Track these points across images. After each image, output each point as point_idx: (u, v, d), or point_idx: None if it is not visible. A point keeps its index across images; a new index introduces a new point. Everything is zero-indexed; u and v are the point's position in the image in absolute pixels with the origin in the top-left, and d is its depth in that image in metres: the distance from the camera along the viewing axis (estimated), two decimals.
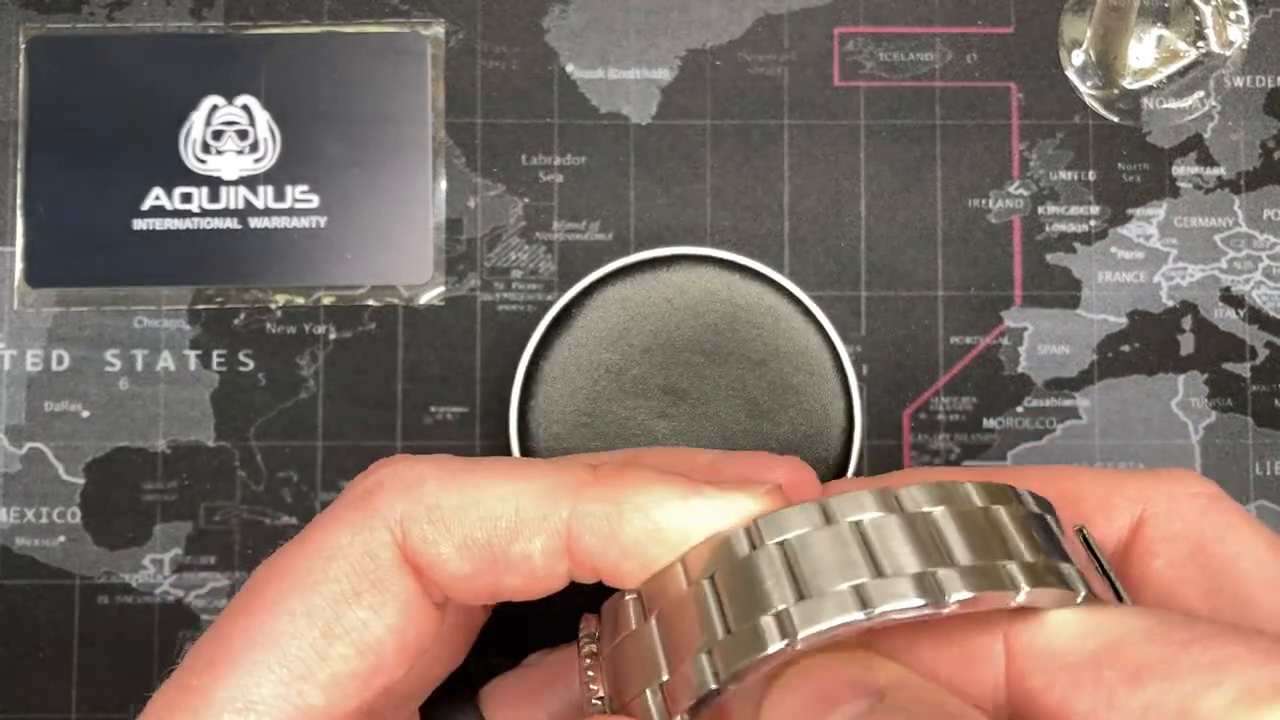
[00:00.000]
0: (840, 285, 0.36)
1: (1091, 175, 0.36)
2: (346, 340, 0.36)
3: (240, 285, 0.36)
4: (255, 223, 0.36)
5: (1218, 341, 0.36)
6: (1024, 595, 0.19)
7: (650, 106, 0.36)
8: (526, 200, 0.36)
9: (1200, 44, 0.37)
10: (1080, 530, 0.22)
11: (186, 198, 0.36)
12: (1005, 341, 0.36)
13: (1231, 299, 0.36)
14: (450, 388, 0.36)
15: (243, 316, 0.36)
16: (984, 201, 0.36)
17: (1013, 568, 0.19)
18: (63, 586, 0.35)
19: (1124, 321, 0.36)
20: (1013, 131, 0.37)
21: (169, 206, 0.35)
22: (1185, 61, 0.37)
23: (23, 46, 0.36)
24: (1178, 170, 0.36)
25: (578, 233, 0.36)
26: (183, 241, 0.35)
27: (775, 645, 0.18)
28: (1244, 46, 0.37)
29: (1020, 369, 0.36)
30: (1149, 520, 0.23)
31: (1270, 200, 0.36)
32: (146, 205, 0.35)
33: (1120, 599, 0.21)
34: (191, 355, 0.35)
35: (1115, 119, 0.37)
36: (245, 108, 0.36)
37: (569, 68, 0.36)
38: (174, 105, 0.36)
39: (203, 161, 0.36)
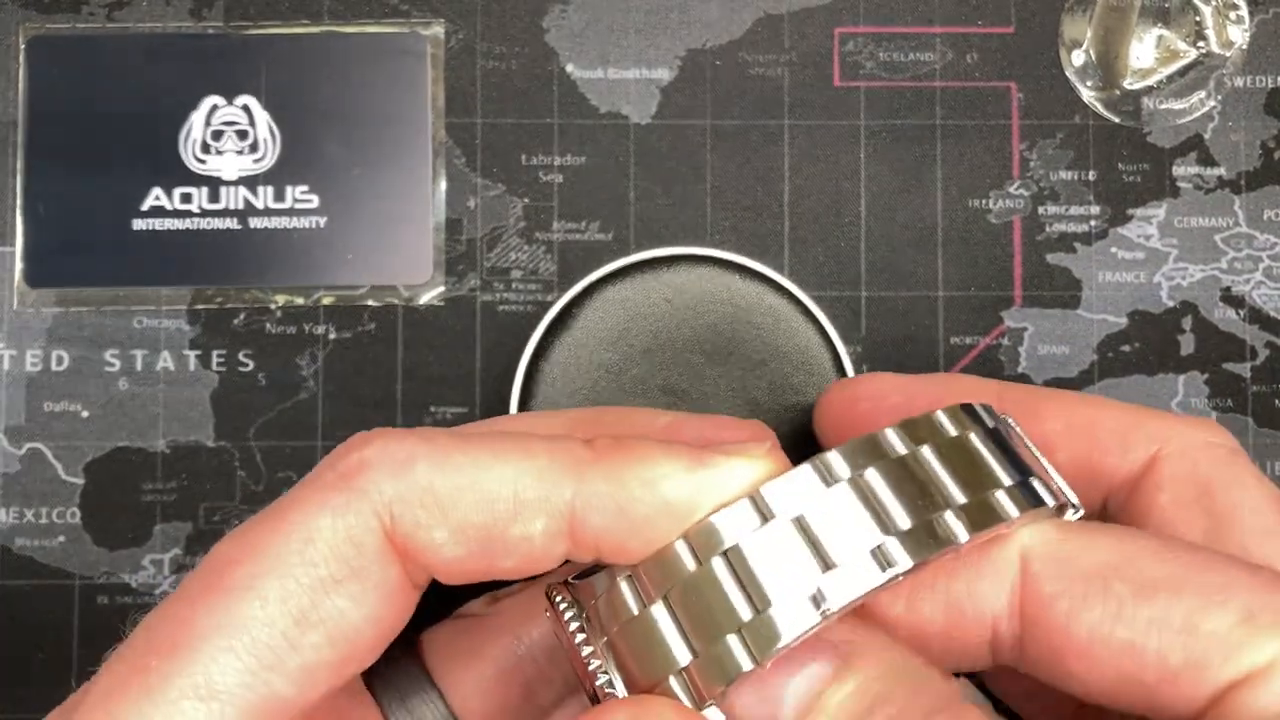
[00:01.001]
0: (840, 285, 0.36)
1: (1092, 175, 0.36)
2: (346, 340, 0.36)
3: (240, 285, 0.36)
4: (255, 223, 0.36)
5: (1218, 342, 0.36)
6: (1015, 521, 0.20)
7: (650, 106, 0.36)
8: (526, 200, 0.36)
9: (1200, 44, 0.37)
10: (1007, 419, 0.22)
11: (186, 198, 0.35)
12: (1005, 342, 0.36)
13: (1232, 299, 0.36)
14: (450, 388, 0.36)
15: (242, 317, 0.36)
16: (984, 202, 0.36)
17: (1001, 496, 0.20)
18: (62, 587, 0.35)
19: (1124, 321, 0.36)
20: (1013, 131, 0.37)
21: (169, 207, 0.35)
22: (1185, 61, 0.37)
23: (23, 46, 0.36)
24: (1178, 170, 0.36)
25: (578, 233, 0.36)
26: (182, 242, 0.35)
27: (812, 619, 0.19)
28: (1244, 47, 0.37)
29: (1021, 369, 0.36)
30: (1164, 458, 0.23)
31: (1271, 200, 0.36)
32: (146, 205, 0.35)
33: (1064, 491, 0.21)
34: (191, 355, 0.35)
35: (1115, 119, 0.37)
36: (245, 108, 0.36)
37: (569, 68, 0.36)
38: (174, 105, 0.36)
39: (202, 162, 0.36)
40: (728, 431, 0.24)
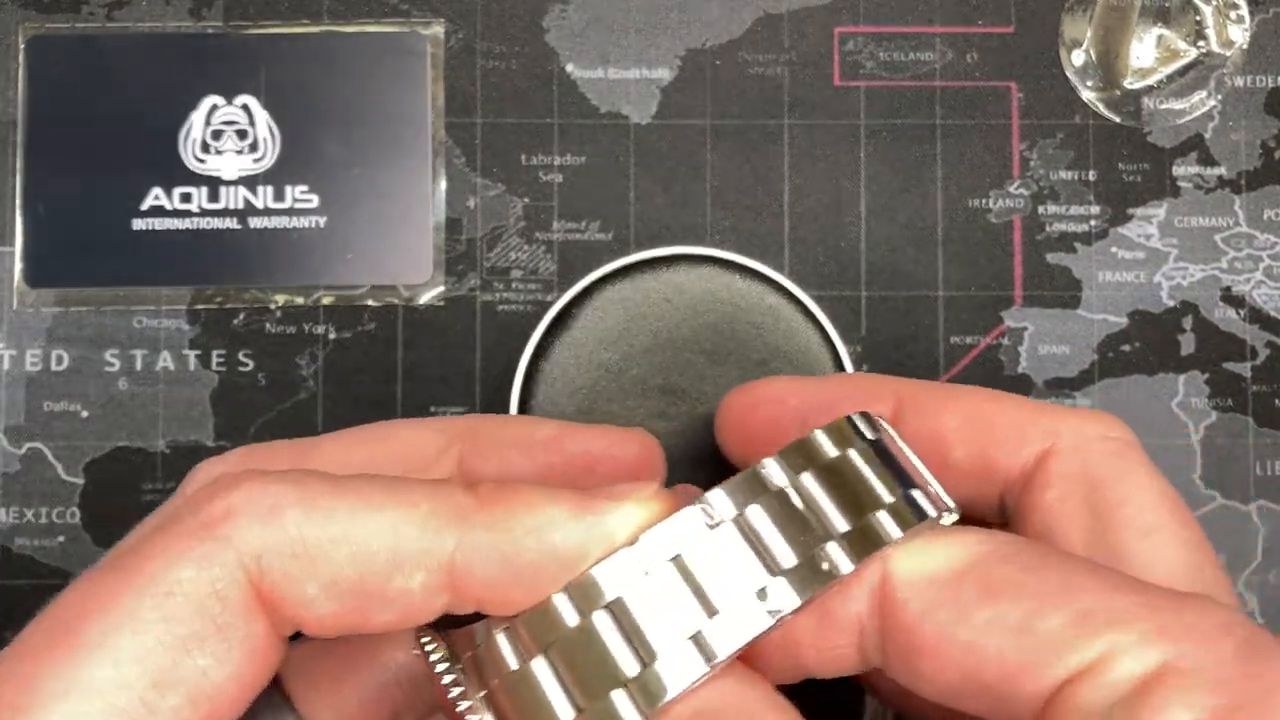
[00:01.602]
0: (840, 285, 0.36)
1: (1092, 175, 0.36)
2: (346, 340, 0.36)
3: (240, 285, 0.35)
4: (255, 222, 0.36)
5: (1218, 341, 0.36)
6: (897, 541, 0.20)
7: (650, 106, 0.36)
8: (526, 200, 0.36)
9: (1201, 43, 0.37)
10: (885, 426, 0.22)
11: (186, 197, 0.35)
12: (1006, 342, 0.36)
13: (1232, 299, 0.36)
14: (450, 388, 0.36)
15: (242, 316, 0.36)
16: (984, 201, 0.36)
17: (883, 517, 0.20)
18: (62, 587, 0.35)
19: (1124, 321, 0.36)
20: (1013, 131, 0.37)
21: (168, 206, 0.35)
22: (1186, 61, 0.37)
23: (22, 46, 0.36)
24: (1178, 170, 0.36)
25: (578, 233, 0.36)
26: (182, 241, 0.35)
27: (700, 669, 0.19)
28: (1244, 46, 0.37)
29: (1021, 369, 0.36)
30: (1055, 454, 0.23)
31: (1271, 200, 0.36)
32: (146, 205, 0.35)
33: (941, 497, 0.21)
34: (191, 355, 0.35)
35: (1116, 119, 0.37)
36: (245, 107, 0.36)
37: (569, 67, 0.36)
38: (173, 105, 0.36)
39: (202, 161, 0.36)
40: (616, 446, 0.23)
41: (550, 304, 0.34)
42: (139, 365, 0.35)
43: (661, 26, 0.37)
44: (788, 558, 0.19)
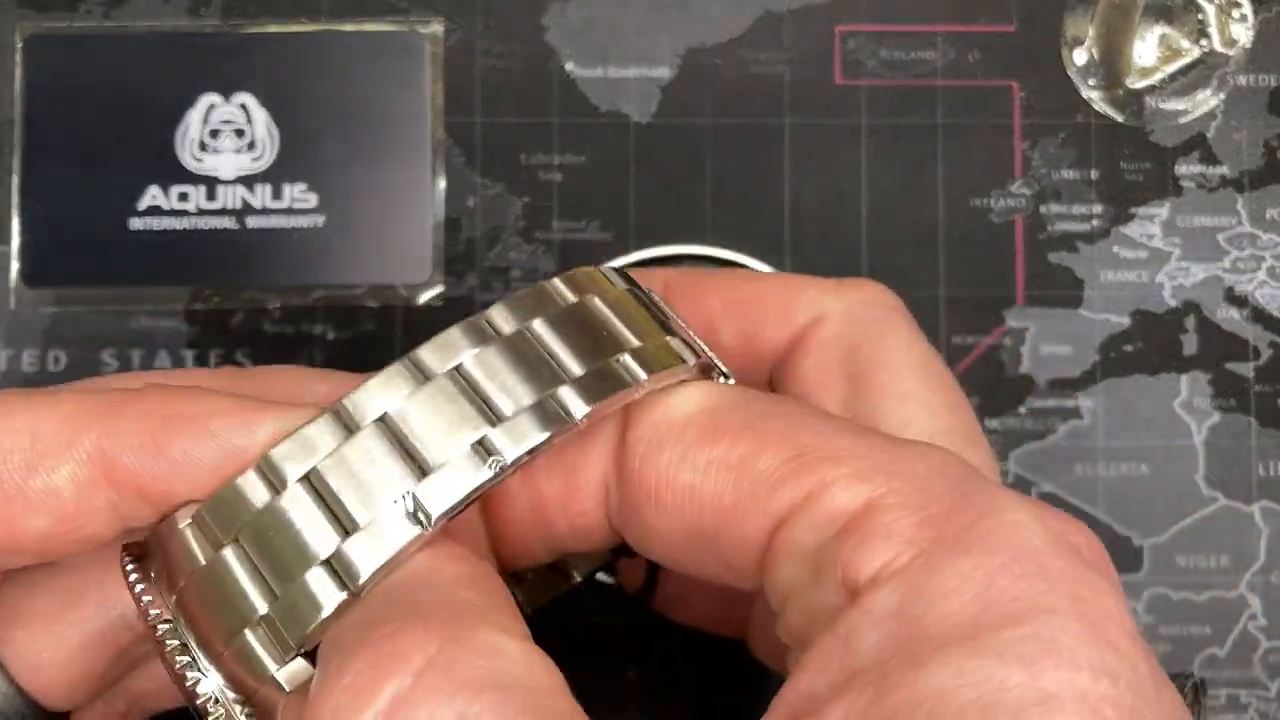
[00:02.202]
0: None
1: (1094, 174, 0.36)
2: (344, 340, 0.35)
3: (237, 285, 0.35)
4: (253, 222, 0.35)
5: (1221, 341, 0.36)
6: (645, 384, 0.18)
7: (650, 105, 0.36)
8: (526, 199, 0.36)
9: (1203, 42, 0.36)
10: (649, 292, 0.20)
11: (183, 197, 0.35)
12: (1007, 342, 0.36)
13: (1235, 299, 0.36)
14: None
15: (240, 316, 0.35)
16: (986, 201, 0.36)
17: (627, 360, 0.18)
18: None
19: (1127, 321, 0.36)
20: (1015, 130, 0.36)
21: (166, 206, 0.35)
22: (1188, 60, 0.36)
23: (19, 45, 0.36)
24: (1181, 169, 0.36)
25: (577, 232, 0.36)
26: (179, 241, 0.35)
27: (409, 533, 0.17)
28: (1247, 45, 0.37)
29: (1022, 369, 0.36)
30: (819, 324, 0.22)
31: (1274, 200, 0.36)
32: (143, 204, 0.35)
33: (711, 359, 0.20)
34: (188, 355, 0.35)
35: (1118, 118, 0.36)
36: (243, 106, 0.36)
37: (569, 66, 0.36)
38: (171, 104, 0.35)
39: (200, 160, 0.35)
40: (305, 384, 0.21)
41: None
42: (136, 365, 0.35)
43: (662, 25, 0.36)
44: (508, 405, 0.17)
